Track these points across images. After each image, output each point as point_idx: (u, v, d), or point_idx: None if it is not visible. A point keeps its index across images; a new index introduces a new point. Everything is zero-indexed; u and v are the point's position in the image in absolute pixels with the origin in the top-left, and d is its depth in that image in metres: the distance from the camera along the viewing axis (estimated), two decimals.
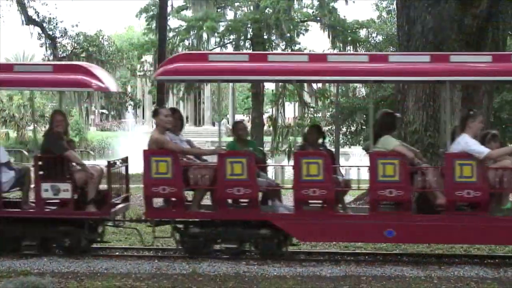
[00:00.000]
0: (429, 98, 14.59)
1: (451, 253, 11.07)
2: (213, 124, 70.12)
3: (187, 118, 73.88)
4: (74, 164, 10.71)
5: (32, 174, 10.83)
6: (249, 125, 37.10)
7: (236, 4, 41.24)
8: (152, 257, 10.74)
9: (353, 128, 29.61)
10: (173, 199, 10.43)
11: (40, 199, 10.60)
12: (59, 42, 33.24)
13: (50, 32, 32.44)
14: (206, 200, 11.16)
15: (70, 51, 33.78)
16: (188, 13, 40.81)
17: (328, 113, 32.98)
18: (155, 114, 10.66)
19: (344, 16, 38.56)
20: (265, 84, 37.92)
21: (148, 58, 42.08)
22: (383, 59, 10.46)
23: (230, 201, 10.48)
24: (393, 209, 10.21)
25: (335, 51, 35.48)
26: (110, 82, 11.13)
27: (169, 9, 34.79)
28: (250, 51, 37.18)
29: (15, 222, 10.73)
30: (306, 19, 40.97)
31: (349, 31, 37.68)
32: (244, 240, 10.50)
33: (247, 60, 10.51)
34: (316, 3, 39.37)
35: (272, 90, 38.10)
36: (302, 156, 10.16)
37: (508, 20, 15.46)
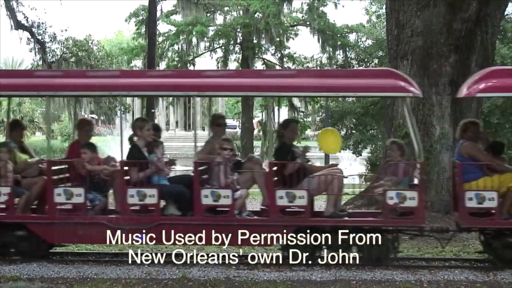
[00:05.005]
0: (419, 102, 14.60)
1: (440, 257, 11.09)
2: (203, 129, 69.99)
3: (176, 123, 73.88)
4: None
5: None
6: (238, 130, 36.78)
7: (226, 8, 41.25)
8: (142, 262, 10.63)
9: (343, 133, 29.61)
10: None
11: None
12: (49, 47, 33.15)
13: (39, 37, 32.32)
14: None
15: (59, 56, 33.73)
16: (178, 17, 40.81)
17: (318, 118, 32.99)
18: None
19: (334, 21, 38.68)
20: None
21: (138, 62, 42.05)
22: None
23: None
24: None
25: None
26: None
27: (158, 13, 34.84)
28: None
29: None
30: (295, 23, 41.05)
31: (338, 35, 37.74)
32: None
33: None
34: (305, 7, 39.43)
35: None
36: None
37: (496, 24, 15.52)
